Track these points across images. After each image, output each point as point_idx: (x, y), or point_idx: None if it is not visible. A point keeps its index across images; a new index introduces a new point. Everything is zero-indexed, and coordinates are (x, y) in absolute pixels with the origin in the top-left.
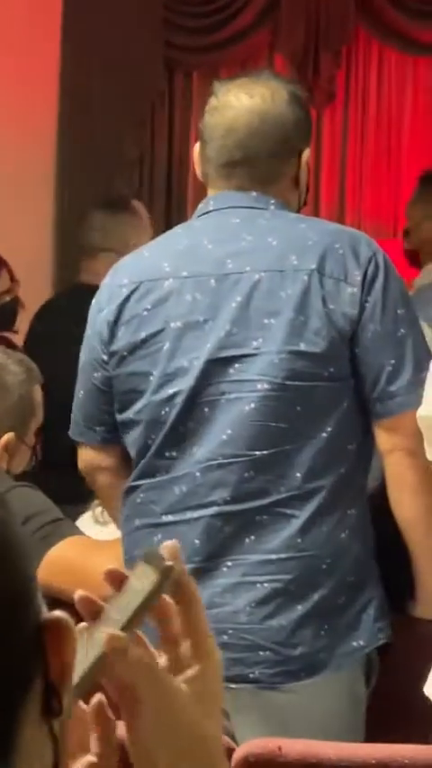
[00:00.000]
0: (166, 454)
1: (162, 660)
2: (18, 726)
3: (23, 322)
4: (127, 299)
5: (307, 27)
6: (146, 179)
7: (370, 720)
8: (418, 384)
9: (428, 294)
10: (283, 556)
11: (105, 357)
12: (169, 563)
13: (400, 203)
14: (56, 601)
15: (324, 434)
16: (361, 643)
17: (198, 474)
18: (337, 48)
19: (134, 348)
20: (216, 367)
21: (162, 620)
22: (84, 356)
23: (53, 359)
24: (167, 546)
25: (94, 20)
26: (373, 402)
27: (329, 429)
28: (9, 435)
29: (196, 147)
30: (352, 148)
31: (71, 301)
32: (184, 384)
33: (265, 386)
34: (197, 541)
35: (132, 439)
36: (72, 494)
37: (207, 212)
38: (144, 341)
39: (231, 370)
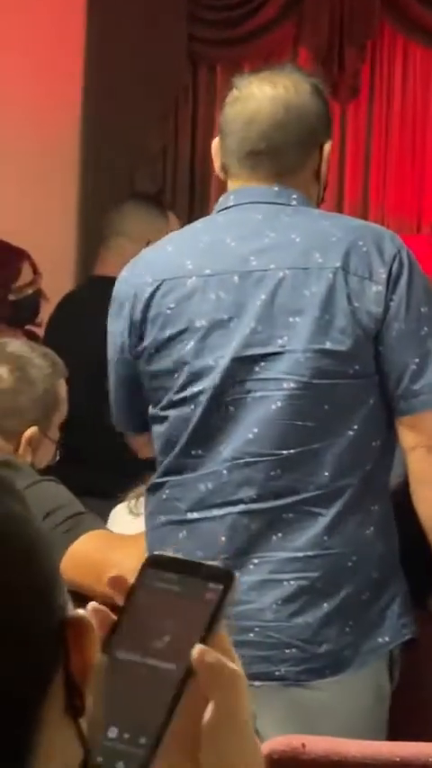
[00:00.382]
0: (192, 452)
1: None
2: (36, 725)
3: (46, 314)
4: (152, 296)
5: (331, 21)
6: (169, 172)
7: (392, 717)
8: None
9: None
10: (309, 553)
11: (133, 354)
12: (227, 569)
13: (424, 199)
14: (75, 595)
15: (351, 432)
16: (386, 639)
17: (225, 472)
18: (361, 42)
19: (160, 346)
20: (241, 365)
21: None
22: (111, 353)
23: (71, 351)
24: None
25: (118, 13)
26: (396, 400)
27: (356, 426)
28: (33, 429)
29: (215, 142)
30: (376, 144)
31: (89, 293)
32: (209, 382)
33: (292, 384)
34: (223, 538)
35: (157, 435)
36: (97, 488)
37: (228, 207)
38: (169, 339)
39: (257, 369)
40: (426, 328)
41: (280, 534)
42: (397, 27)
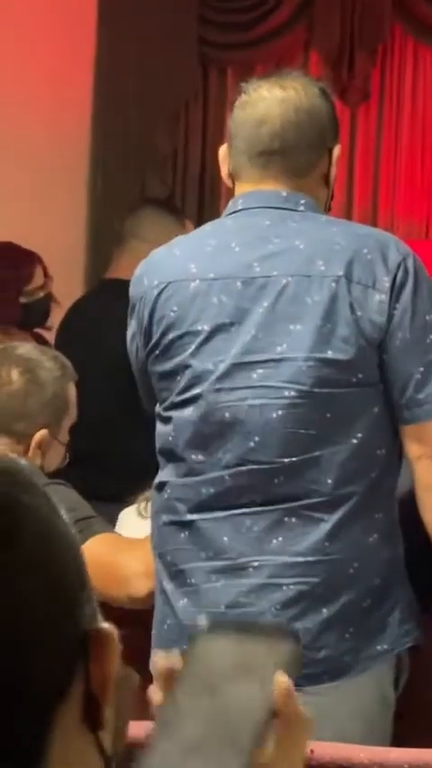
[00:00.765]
0: (193, 457)
1: None
2: (49, 726)
3: (56, 318)
4: (157, 298)
5: (342, 25)
6: (179, 175)
7: (399, 722)
8: None
9: None
10: (310, 559)
11: (144, 354)
12: (291, 633)
13: None
14: None
15: (354, 440)
16: (385, 647)
17: (227, 478)
18: (372, 46)
19: (164, 348)
20: (240, 371)
21: None
22: (129, 350)
23: (82, 354)
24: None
25: (129, 16)
26: (400, 409)
27: (360, 435)
28: (43, 432)
29: (222, 148)
30: (386, 148)
31: (102, 296)
32: (207, 387)
33: (293, 393)
34: (225, 539)
35: (160, 434)
36: (105, 492)
37: (236, 211)
38: (172, 341)
39: (255, 376)
40: (431, 336)
41: (281, 538)
42: (408, 31)
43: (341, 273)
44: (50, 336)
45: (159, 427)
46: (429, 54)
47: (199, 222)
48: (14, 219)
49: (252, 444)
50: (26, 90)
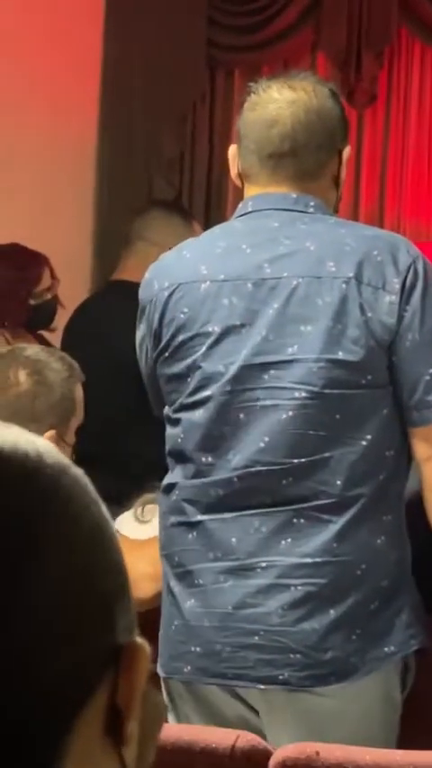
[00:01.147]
0: (202, 458)
1: None
2: (70, 731)
3: (61, 320)
4: (167, 300)
5: (349, 27)
6: (186, 177)
7: (405, 724)
8: None
9: None
10: (318, 560)
11: (153, 357)
12: None
13: None
14: None
15: (364, 442)
16: (392, 648)
17: (235, 479)
18: (379, 48)
19: (174, 350)
20: (251, 372)
21: None
22: (138, 355)
23: (89, 355)
24: None
25: (136, 17)
26: (409, 410)
27: (369, 436)
28: (50, 433)
29: (232, 148)
30: (393, 150)
31: (109, 297)
32: (218, 388)
33: (303, 394)
34: (233, 540)
35: (169, 436)
36: (111, 493)
37: (246, 213)
38: (183, 343)
39: (266, 377)
40: None
41: (289, 539)
42: (414, 33)
43: (351, 275)
44: (53, 338)
45: (169, 429)
46: None
47: (206, 224)
48: (20, 222)
49: (262, 445)
50: (33, 92)
